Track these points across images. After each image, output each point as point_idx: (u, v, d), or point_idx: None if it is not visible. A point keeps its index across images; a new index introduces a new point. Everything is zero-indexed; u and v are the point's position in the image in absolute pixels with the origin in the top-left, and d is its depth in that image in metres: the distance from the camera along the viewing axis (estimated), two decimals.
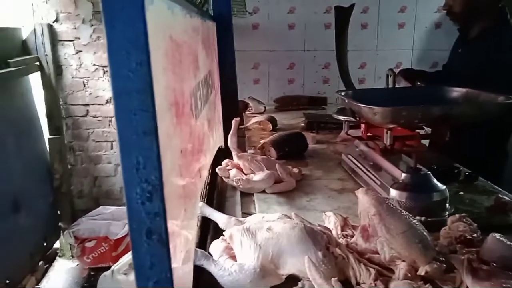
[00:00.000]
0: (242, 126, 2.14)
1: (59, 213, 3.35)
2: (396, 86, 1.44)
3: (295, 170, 1.43)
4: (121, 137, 0.38)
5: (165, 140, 0.47)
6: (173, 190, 0.52)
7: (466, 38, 1.81)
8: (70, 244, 3.08)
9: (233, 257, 0.87)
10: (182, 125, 0.59)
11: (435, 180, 1.10)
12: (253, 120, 2.20)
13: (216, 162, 1.44)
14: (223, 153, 1.54)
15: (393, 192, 1.10)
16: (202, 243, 1.01)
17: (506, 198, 1.14)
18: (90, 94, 3.35)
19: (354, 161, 1.44)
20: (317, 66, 3.26)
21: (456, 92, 1.30)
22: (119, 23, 0.35)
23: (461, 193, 1.25)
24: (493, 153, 1.74)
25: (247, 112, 2.55)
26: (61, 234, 3.23)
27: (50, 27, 3.18)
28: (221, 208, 1.23)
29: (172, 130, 0.51)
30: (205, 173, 1.00)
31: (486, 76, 1.57)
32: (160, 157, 0.39)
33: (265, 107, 2.61)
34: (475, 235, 0.89)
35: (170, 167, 0.50)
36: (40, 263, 3.03)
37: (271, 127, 2.13)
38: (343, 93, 1.32)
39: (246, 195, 1.31)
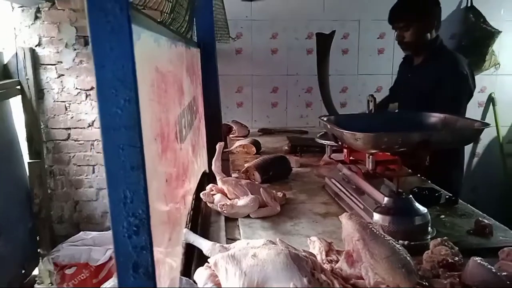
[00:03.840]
0: (226, 150, 2.14)
1: (38, 239, 3.26)
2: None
3: (279, 194, 1.43)
4: (109, 171, 0.38)
5: (151, 170, 0.47)
6: (159, 219, 0.52)
7: (412, 64, 2.13)
8: (49, 271, 2.98)
9: (218, 285, 0.86)
10: (167, 153, 0.59)
11: (417, 204, 1.12)
12: (237, 143, 2.21)
13: (201, 186, 1.43)
14: (207, 178, 1.54)
15: (376, 216, 1.11)
16: (187, 270, 1.00)
17: (486, 221, 1.17)
18: (72, 117, 3.32)
19: (338, 185, 1.45)
20: (299, 90, 3.31)
21: (435, 117, 1.34)
22: (108, 63, 0.36)
23: (442, 216, 1.27)
24: (451, 168, 1.99)
25: (231, 136, 2.55)
26: (40, 260, 3.14)
27: (32, 51, 3.16)
28: (205, 233, 1.22)
29: (157, 160, 0.51)
30: (190, 198, 1.00)
31: (432, 95, 1.88)
32: (147, 191, 0.39)
33: (248, 131, 2.63)
34: (456, 258, 0.91)
35: (156, 197, 0.50)
36: None
37: (255, 151, 2.14)
38: (325, 119, 1.34)
39: (231, 220, 1.31)
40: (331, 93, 2.04)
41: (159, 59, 0.57)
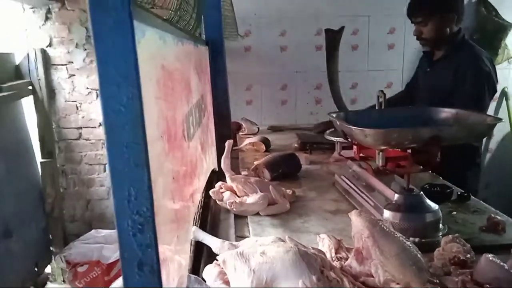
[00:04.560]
0: (236, 148, 2.14)
1: (50, 237, 3.30)
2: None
3: (289, 191, 1.43)
4: (113, 169, 0.38)
5: (157, 168, 0.47)
6: (165, 216, 0.52)
7: (432, 59, 2.07)
8: (62, 269, 3.02)
9: (227, 282, 0.86)
10: (175, 151, 0.59)
11: (428, 201, 1.10)
12: (247, 141, 2.20)
13: (210, 184, 1.43)
14: (216, 176, 1.54)
15: (387, 213, 1.10)
16: (196, 268, 1.00)
17: (498, 217, 1.15)
18: (83, 117, 3.35)
19: (348, 182, 1.44)
20: (309, 87, 3.29)
21: (446, 113, 1.32)
22: (110, 59, 0.36)
23: (454, 213, 1.25)
24: (467, 165, 1.95)
25: (240, 133, 2.55)
26: (53, 258, 3.18)
27: (43, 51, 3.19)
28: (214, 231, 1.22)
29: (163, 158, 0.51)
30: (198, 196, 1.00)
31: (451, 91, 1.84)
32: (151, 189, 0.39)
33: (258, 128, 2.63)
34: (468, 255, 0.89)
35: (162, 194, 0.50)
36: None
37: (264, 148, 2.14)
38: (334, 115, 1.33)
39: (240, 218, 1.31)
40: (341, 89, 2.03)
41: (165, 56, 0.57)
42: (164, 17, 0.64)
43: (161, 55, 0.54)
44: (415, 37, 2.03)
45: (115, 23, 0.35)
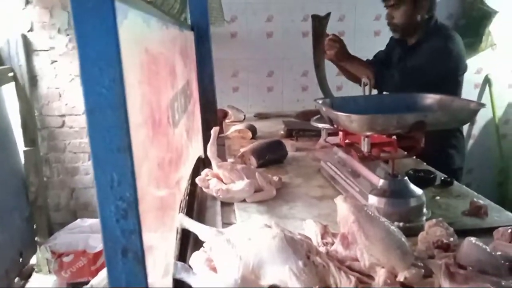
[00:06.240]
0: (222, 135, 2.14)
1: (35, 227, 3.26)
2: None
3: (275, 178, 1.43)
4: (95, 154, 0.37)
5: (141, 154, 0.46)
6: (150, 203, 0.51)
7: (406, 44, 2.07)
8: (47, 259, 2.99)
9: (214, 269, 0.86)
10: (159, 137, 0.58)
11: (412, 186, 1.11)
12: (233, 128, 2.20)
13: (196, 172, 1.43)
14: (203, 163, 1.53)
15: (372, 199, 1.11)
16: (182, 255, 1.00)
17: (481, 202, 1.17)
18: (66, 104, 3.28)
19: (333, 168, 1.45)
20: (295, 73, 3.28)
21: (430, 98, 1.33)
22: (91, 41, 0.35)
23: (437, 197, 1.27)
24: (449, 150, 1.98)
25: (226, 121, 2.54)
26: (38, 249, 3.15)
27: (24, 37, 3.11)
28: (201, 218, 1.22)
29: (148, 144, 0.50)
30: (184, 183, 1.00)
31: (424, 74, 1.86)
32: (134, 174, 0.38)
33: (244, 115, 2.62)
34: (451, 239, 0.91)
35: (147, 181, 0.49)
36: (16, 279, 2.93)
37: (250, 135, 2.13)
38: (320, 101, 1.33)
39: (227, 205, 1.31)
40: (327, 76, 2.02)
41: (149, 40, 0.56)
42: (148, 0, 0.63)
43: (145, 38, 0.53)
44: (387, 22, 2.05)
45: (95, 3, 0.34)
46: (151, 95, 0.54)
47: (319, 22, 1.97)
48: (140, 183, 0.44)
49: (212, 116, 1.71)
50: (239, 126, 2.20)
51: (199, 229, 1.02)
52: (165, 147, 0.63)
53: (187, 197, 1.31)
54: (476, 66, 3.38)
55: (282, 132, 2.17)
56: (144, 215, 0.45)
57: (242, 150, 1.71)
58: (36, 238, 3.24)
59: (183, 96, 0.98)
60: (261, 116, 2.75)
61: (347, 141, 1.36)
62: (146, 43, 0.53)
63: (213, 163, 1.39)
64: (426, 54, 1.91)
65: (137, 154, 0.43)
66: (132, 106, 0.43)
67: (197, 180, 1.35)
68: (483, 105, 1.17)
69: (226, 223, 1.19)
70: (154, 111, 0.56)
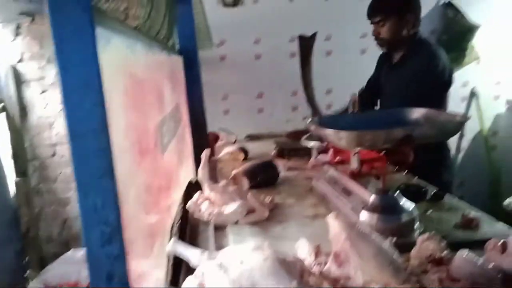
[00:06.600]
0: (214, 158, 2.14)
1: (27, 260, 3.20)
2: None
3: (268, 199, 1.42)
4: (78, 179, 0.37)
5: (126, 178, 0.46)
6: (138, 228, 0.51)
7: (391, 61, 2.13)
8: None
9: None
10: (147, 162, 0.58)
11: (403, 201, 1.12)
12: (225, 151, 2.20)
13: (188, 195, 1.42)
14: (195, 187, 1.52)
15: (364, 215, 1.11)
16: (175, 280, 0.99)
17: (472, 213, 1.18)
18: (57, 134, 3.27)
19: (325, 186, 1.45)
20: (285, 94, 3.31)
21: (417, 113, 1.34)
22: (72, 66, 0.36)
23: (429, 211, 1.27)
24: (438, 165, 1.99)
25: (218, 143, 2.55)
26: (29, 282, 3.07)
27: (13, 68, 3.13)
28: (194, 243, 1.21)
29: (135, 168, 0.50)
30: (175, 208, 0.99)
31: (411, 90, 1.89)
32: (118, 198, 0.38)
33: (236, 137, 2.63)
34: (444, 253, 0.91)
35: (134, 206, 0.49)
36: None
37: (242, 157, 2.14)
38: (309, 120, 1.34)
39: (220, 228, 1.29)
40: (316, 95, 2.05)
41: (133, 65, 0.57)
42: (134, 26, 0.64)
43: (129, 63, 0.54)
44: (374, 37, 2.10)
45: (75, 28, 0.34)
46: (137, 120, 0.55)
47: (305, 43, 2.00)
48: (126, 208, 0.44)
49: (202, 139, 1.72)
50: (231, 148, 2.21)
51: (191, 254, 1.00)
52: (153, 172, 0.63)
53: (179, 221, 1.30)
54: (462, 80, 3.44)
55: (273, 152, 2.18)
56: (130, 239, 0.44)
57: (234, 172, 1.71)
58: (28, 271, 3.17)
59: (172, 120, 0.99)
60: (252, 138, 2.76)
61: (337, 158, 1.37)
62: (130, 68, 0.53)
63: (205, 186, 1.39)
64: (412, 72, 1.95)
65: (122, 179, 0.43)
66: (115, 131, 0.44)
67: (189, 204, 1.34)
68: (468, 118, 1.19)
69: (220, 247, 1.17)
70: (141, 135, 0.56)
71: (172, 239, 1.03)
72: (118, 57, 0.48)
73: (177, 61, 1.39)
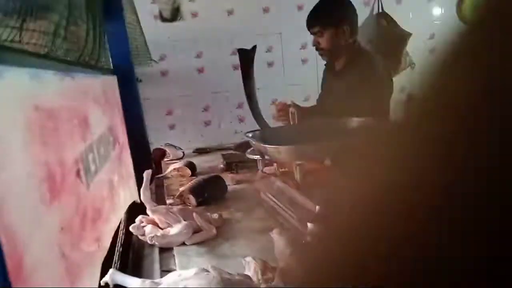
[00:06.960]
0: (160, 175, 2.08)
1: None
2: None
3: (215, 215, 1.39)
4: None
5: (32, 222, 0.42)
6: (52, 273, 0.47)
7: (334, 70, 2.19)
8: None
9: None
10: (62, 198, 0.54)
11: None
12: (171, 167, 2.14)
13: (132, 219, 1.36)
14: (139, 209, 1.46)
15: (310, 226, 1.10)
16: None
17: None
18: None
19: (273, 198, 1.44)
20: (231, 106, 3.31)
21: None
22: None
23: None
24: None
25: (165, 160, 2.48)
26: None
27: None
28: (137, 269, 1.15)
29: (44, 209, 0.46)
30: (109, 238, 0.94)
31: (355, 99, 1.91)
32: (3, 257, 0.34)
33: (183, 153, 2.57)
34: None
35: (44, 251, 0.45)
36: None
37: (190, 173, 2.08)
38: (250, 135, 1.33)
39: (166, 250, 1.24)
40: (261, 106, 2.05)
41: (39, 96, 0.52)
42: (42, 52, 0.59)
43: (33, 95, 0.49)
44: (314, 47, 2.15)
45: None
46: (47, 154, 0.50)
47: (245, 56, 2.00)
48: (31, 256, 0.39)
49: (144, 159, 1.66)
50: (178, 165, 2.15)
51: (132, 283, 0.96)
52: (73, 206, 0.59)
53: (121, 248, 1.24)
54: (399, 85, 3.58)
55: (221, 166, 2.15)
56: (45, 283, 0.40)
57: (180, 189, 1.66)
58: None
59: (102, 145, 0.93)
60: (200, 151, 2.72)
61: (282, 169, 1.37)
62: (35, 101, 0.49)
63: (148, 208, 1.33)
64: (353, 80, 2.00)
65: (26, 224, 0.39)
66: (15, 172, 0.39)
67: (131, 228, 1.28)
68: None
69: (165, 271, 1.12)
70: (54, 170, 0.52)
71: (110, 270, 0.98)
72: (16, 91, 0.44)
73: (110, 81, 1.34)
